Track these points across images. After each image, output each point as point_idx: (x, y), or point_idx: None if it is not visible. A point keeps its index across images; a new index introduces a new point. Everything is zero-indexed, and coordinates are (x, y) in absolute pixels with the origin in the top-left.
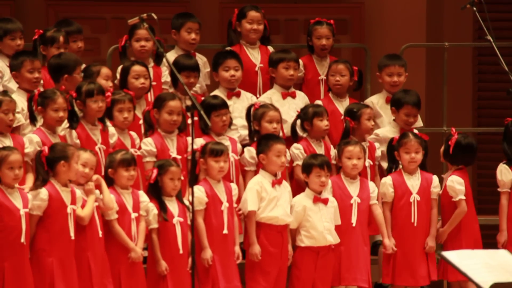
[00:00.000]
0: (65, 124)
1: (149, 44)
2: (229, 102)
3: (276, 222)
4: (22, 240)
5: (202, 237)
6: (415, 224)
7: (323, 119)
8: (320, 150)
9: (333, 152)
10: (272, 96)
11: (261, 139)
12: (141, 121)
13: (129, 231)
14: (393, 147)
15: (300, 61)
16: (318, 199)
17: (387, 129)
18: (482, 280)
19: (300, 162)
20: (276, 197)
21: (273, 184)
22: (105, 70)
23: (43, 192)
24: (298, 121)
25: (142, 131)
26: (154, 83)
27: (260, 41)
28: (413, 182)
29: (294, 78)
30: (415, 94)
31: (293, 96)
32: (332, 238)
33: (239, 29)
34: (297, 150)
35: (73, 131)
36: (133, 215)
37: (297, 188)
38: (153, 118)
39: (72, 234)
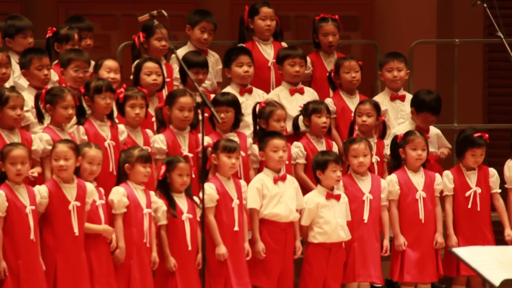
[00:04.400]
0: (73, 120)
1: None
2: (241, 99)
3: (280, 219)
4: (32, 237)
5: (215, 233)
6: (423, 221)
7: (321, 116)
8: (321, 147)
9: (335, 149)
10: (280, 92)
11: (261, 137)
12: (153, 119)
13: (141, 226)
14: (398, 144)
15: (308, 59)
16: (331, 195)
17: (405, 126)
18: (493, 276)
19: (300, 161)
20: (279, 194)
21: (275, 181)
22: (108, 63)
23: (42, 190)
24: (301, 117)
25: (155, 128)
26: (168, 80)
27: (273, 37)
28: (418, 180)
29: (300, 74)
30: (435, 99)
31: (301, 92)
32: (345, 235)
33: (252, 26)
34: (297, 148)
35: (81, 127)
36: (146, 210)
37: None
38: (165, 115)
39: (76, 230)
